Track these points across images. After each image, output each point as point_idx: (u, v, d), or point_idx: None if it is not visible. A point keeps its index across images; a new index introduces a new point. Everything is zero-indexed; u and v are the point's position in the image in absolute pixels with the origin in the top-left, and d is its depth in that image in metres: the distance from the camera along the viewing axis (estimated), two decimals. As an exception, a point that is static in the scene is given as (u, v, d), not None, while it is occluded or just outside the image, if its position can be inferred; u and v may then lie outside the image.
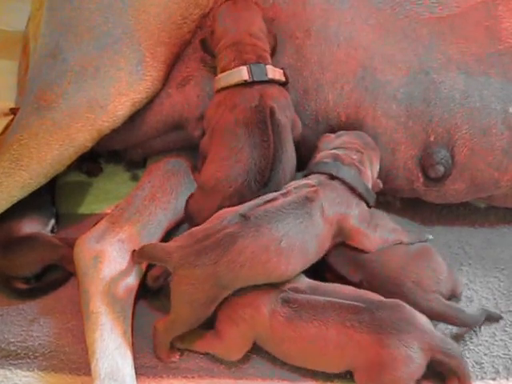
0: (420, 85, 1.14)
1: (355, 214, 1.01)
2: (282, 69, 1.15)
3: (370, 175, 1.08)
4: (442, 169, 1.12)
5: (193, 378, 1.02)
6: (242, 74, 1.11)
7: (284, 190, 1.01)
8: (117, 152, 1.30)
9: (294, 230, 0.96)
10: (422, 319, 0.95)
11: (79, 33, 1.15)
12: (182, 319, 0.99)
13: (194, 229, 0.99)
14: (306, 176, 1.06)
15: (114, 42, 1.14)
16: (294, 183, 1.04)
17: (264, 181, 1.05)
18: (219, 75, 1.14)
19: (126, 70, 1.14)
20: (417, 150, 1.15)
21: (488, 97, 1.12)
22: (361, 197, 1.03)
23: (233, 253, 0.94)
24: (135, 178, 1.32)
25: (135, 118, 1.18)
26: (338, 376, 0.99)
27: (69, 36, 1.15)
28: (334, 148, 1.08)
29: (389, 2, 1.16)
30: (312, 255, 0.99)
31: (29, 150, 1.11)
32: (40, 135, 1.11)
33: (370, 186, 1.06)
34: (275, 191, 1.03)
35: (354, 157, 1.06)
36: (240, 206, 0.99)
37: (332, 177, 1.03)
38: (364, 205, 1.03)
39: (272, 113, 1.08)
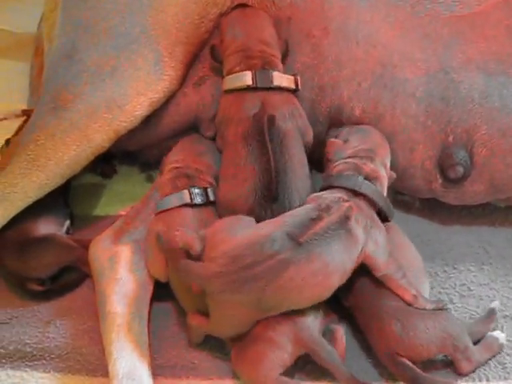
0: (439, 84, 1.13)
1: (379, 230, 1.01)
2: (293, 75, 1.14)
3: (386, 177, 1.07)
4: (461, 169, 1.12)
5: (211, 379, 1.01)
6: (246, 78, 1.11)
7: (323, 205, 0.98)
8: (131, 153, 1.30)
9: (338, 251, 0.95)
10: (307, 320, 0.96)
11: (96, 33, 1.14)
12: (220, 332, 0.99)
13: (235, 250, 0.94)
14: (325, 188, 1.04)
15: (131, 41, 1.14)
16: (328, 195, 1.01)
17: (272, 195, 1.03)
18: (225, 77, 1.14)
19: (144, 69, 1.13)
20: (435, 151, 1.14)
21: (508, 97, 1.11)
22: (381, 212, 1.02)
23: (283, 279, 0.92)
24: (150, 179, 1.31)
25: (151, 118, 1.17)
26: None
27: (85, 36, 1.15)
28: (350, 157, 1.06)
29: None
30: (348, 272, 0.97)
31: (45, 151, 1.10)
32: (57, 136, 1.11)
33: (386, 189, 1.05)
34: (288, 204, 1.02)
35: (371, 165, 1.04)
36: (282, 221, 0.96)
37: (355, 193, 1.01)
38: (383, 228, 1.02)
39: (271, 121, 1.07)
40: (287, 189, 1.04)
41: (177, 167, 1.13)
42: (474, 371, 0.99)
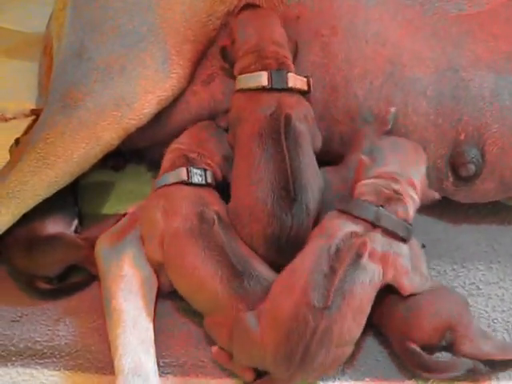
0: (449, 82, 1.13)
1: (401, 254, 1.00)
2: (305, 77, 1.14)
3: (415, 197, 1.04)
4: (473, 167, 1.12)
5: (220, 378, 1.01)
6: (262, 79, 1.10)
7: (332, 249, 0.97)
8: (139, 152, 1.30)
9: (362, 288, 0.96)
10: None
11: (104, 31, 1.15)
12: None
13: (281, 348, 0.94)
14: (343, 211, 1.01)
15: (139, 40, 1.14)
16: (338, 231, 0.99)
17: (291, 196, 1.02)
18: (239, 76, 1.14)
19: (152, 67, 1.14)
20: (447, 149, 1.14)
21: (517, 95, 1.12)
22: (402, 239, 1.01)
23: (335, 340, 0.94)
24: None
25: (161, 116, 1.18)
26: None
27: (94, 35, 1.15)
28: (373, 177, 1.03)
29: None
30: (372, 301, 0.98)
31: (55, 149, 1.11)
32: (66, 134, 1.11)
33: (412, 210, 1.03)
34: (306, 206, 1.02)
35: (396, 187, 1.01)
36: (306, 293, 0.94)
37: (374, 225, 0.99)
38: (405, 247, 1.01)
39: (287, 120, 1.07)
40: (303, 189, 1.03)
41: (179, 148, 1.13)
42: (475, 358, 0.98)
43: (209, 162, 1.12)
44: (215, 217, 1.04)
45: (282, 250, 1.03)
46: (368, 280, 0.96)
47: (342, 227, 0.99)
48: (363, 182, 1.03)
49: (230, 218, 1.07)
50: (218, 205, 1.08)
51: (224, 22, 1.19)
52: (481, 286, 1.11)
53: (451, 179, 1.15)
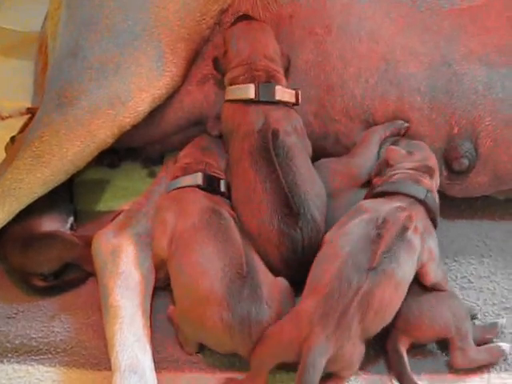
0: (442, 77, 1.14)
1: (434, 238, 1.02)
2: (294, 89, 1.14)
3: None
4: (466, 162, 1.13)
5: (214, 373, 1.01)
6: (249, 92, 1.11)
7: (380, 220, 0.98)
8: (134, 149, 1.31)
9: (405, 261, 0.96)
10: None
11: (99, 30, 1.16)
12: None
13: (320, 307, 0.93)
14: (379, 194, 1.04)
15: (133, 38, 1.15)
16: (383, 206, 1.01)
17: (294, 212, 1.03)
18: (228, 87, 1.15)
19: (147, 66, 1.14)
20: (441, 143, 1.15)
21: (510, 88, 1.12)
22: (435, 224, 1.04)
23: (375, 305, 0.94)
24: (152, 175, 1.32)
25: (155, 114, 1.18)
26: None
27: (89, 34, 1.16)
28: (412, 169, 1.06)
29: None
30: (412, 277, 0.99)
31: (50, 147, 1.11)
32: (61, 132, 1.12)
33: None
34: (311, 217, 1.03)
35: (430, 181, 1.06)
36: (342, 253, 0.96)
37: (417, 200, 1.02)
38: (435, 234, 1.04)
39: (275, 136, 1.07)
40: (304, 201, 1.04)
41: (187, 163, 1.14)
42: (466, 367, 0.99)
43: (218, 172, 1.13)
44: (230, 215, 1.05)
45: (301, 264, 1.03)
46: (412, 253, 0.97)
47: (385, 205, 1.01)
48: (403, 170, 1.05)
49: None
50: (231, 211, 1.08)
51: (217, 21, 1.20)
52: (472, 280, 1.12)
53: (445, 173, 1.16)
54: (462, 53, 1.14)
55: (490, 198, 1.22)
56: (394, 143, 1.14)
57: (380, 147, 1.14)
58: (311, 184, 1.07)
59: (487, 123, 1.13)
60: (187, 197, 1.09)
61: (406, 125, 1.15)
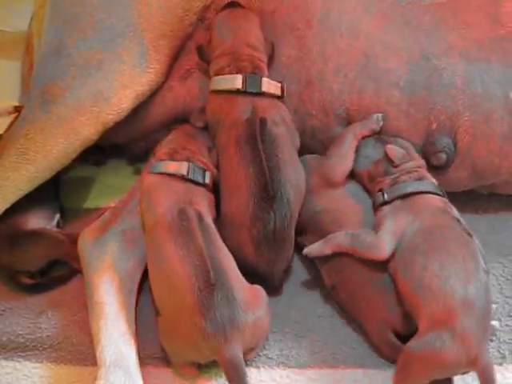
0: (422, 72, 1.14)
1: None
2: (280, 82, 1.14)
3: None
4: (444, 156, 1.13)
5: (200, 368, 1.01)
6: (236, 82, 1.11)
7: (462, 223, 1.03)
8: (119, 146, 1.31)
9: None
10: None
11: (82, 28, 1.16)
12: None
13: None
14: (412, 192, 1.06)
15: (117, 35, 1.15)
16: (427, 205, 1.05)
17: (271, 195, 1.03)
18: (214, 77, 1.15)
19: (130, 63, 1.15)
20: (419, 139, 1.15)
21: (489, 83, 1.12)
22: None
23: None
24: (138, 172, 1.32)
25: (139, 111, 1.19)
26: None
27: (72, 31, 1.16)
28: (418, 167, 1.10)
29: None
30: None
31: (35, 144, 1.12)
32: (46, 129, 1.12)
33: None
34: (287, 201, 1.03)
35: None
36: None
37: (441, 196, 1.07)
38: None
39: (263, 123, 1.08)
40: (282, 185, 1.05)
41: (172, 148, 1.12)
42: None
43: (203, 160, 1.12)
44: (195, 216, 1.03)
45: (270, 248, 1.04)
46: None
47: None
48: (412, 169, 1.08)
49: (221, 226, 1.07)
50: (203, 206, 1.07)
51: (200, 17, 1.21)
52: (455, 273, 1.13)
53: (424, 168, 1.16)
54: (442, 47, 1.14)
55: (473, 193, 1.22)
56: (378, 140, 1.14)
57: (360, 145, 1.14)
58: (293, 172, 1.08)
59: (466, 118, 1.12)
60: (162, 186, 1.07)
61: (381, 119, 1.14)
